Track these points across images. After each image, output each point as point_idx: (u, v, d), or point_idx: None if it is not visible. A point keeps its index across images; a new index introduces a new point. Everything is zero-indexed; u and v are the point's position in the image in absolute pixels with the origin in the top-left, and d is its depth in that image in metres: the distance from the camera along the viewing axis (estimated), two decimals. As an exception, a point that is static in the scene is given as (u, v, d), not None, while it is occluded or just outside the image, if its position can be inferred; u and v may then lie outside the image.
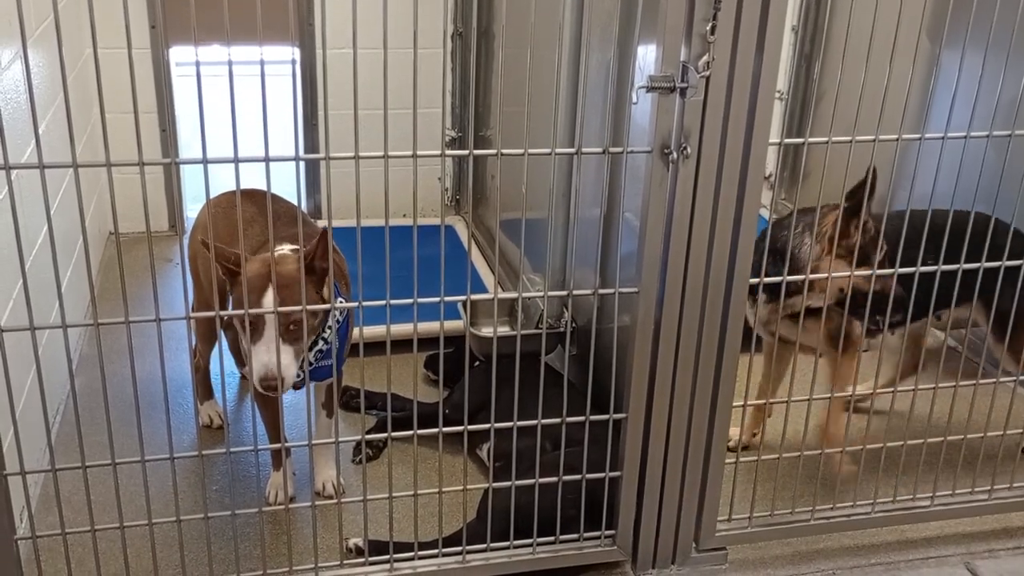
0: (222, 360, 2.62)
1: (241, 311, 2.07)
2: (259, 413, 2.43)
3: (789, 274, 2.38)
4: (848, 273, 2.35)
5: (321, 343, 2.36)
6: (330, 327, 2.33)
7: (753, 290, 2.46)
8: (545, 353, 2.43)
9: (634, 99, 2.03)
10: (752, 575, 2.47)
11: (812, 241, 2.43)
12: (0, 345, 1.83)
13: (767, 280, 2.28)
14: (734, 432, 2.73)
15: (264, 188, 1.92)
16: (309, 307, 2.03)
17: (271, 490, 2.65)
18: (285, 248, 2.36)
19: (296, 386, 2.46)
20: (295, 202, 2.10)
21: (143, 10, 4.10)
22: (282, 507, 2.56)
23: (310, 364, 2.31)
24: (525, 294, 2.93)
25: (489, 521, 2.29)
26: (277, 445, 2.51)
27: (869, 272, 2.29)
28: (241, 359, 2.90)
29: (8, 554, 2.00)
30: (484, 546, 2.31)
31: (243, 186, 1.88)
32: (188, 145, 4.62)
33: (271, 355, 2.14)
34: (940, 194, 2.21)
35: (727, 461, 2.37)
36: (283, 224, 2.38)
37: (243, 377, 3.10)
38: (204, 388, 3.03)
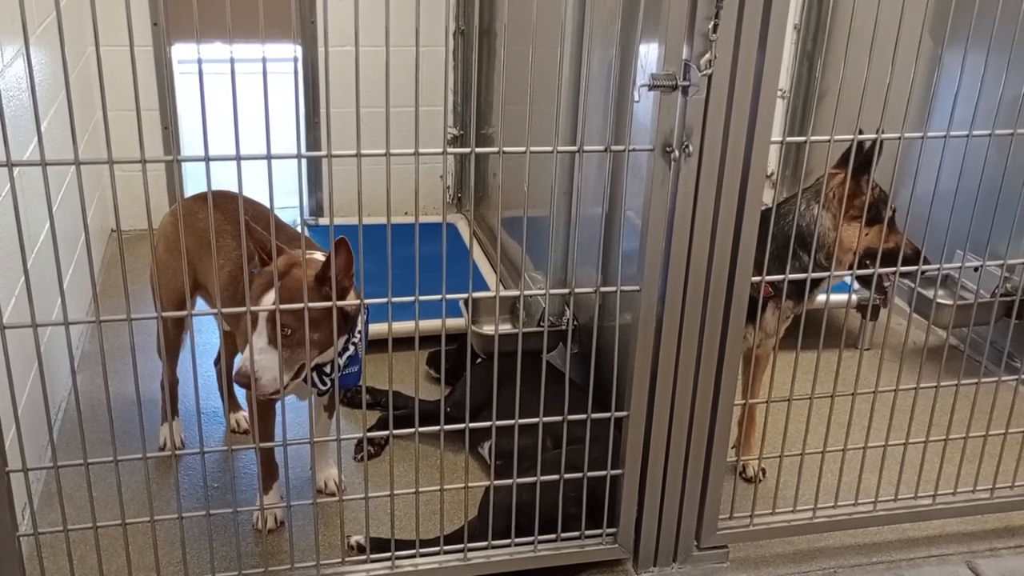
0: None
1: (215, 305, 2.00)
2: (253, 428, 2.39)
3: (819, 251, 2.46)
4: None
5: (351, 348, 2.30)
6: (360, 331, 2.29)
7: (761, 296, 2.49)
8: (546, 351, 2.43)
9: (636, 97, 2.03)
10: (754, 573, 2.47)
11: (820, 210, 2.45)
12: (2, 342, 1.84)
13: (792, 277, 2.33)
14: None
15: (260, 187, 1.91)
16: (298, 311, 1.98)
17: (259, 515, 2.54)
18: (317, 254, 2.27)
19: (320, 393, 2.45)
20: (296, 199, 2.09)
21: (145, 8, 4.11)
22: (283, 505, 2.56)
23: (339, 369, 2.29)
24: (527, 292, 2.94)
25: (490, 519, 2.30)
26: (272, 441, 2.51)
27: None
28: (230, 387, 2.89)
29: (10, 550, 2.01)
30: (485, 544, 2.31)
31: (245, 183, 1.88)
32: (190, 143, 4.62)
33: (256, 356, 2.09)
34: (942, 192, 2.21)
35: (728, 459, 2.37)
36: (255, 232, 2.27)
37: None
38: (172, 405, 2.88)
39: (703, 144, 2.01)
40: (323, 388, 2.33)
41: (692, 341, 2.20)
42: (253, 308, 2.06)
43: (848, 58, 2.10)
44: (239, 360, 2.13)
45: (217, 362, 2.95)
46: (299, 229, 4.08)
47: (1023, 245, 2.96)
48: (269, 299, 2.09)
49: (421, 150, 1.86)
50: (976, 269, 2.64)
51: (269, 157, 1.81)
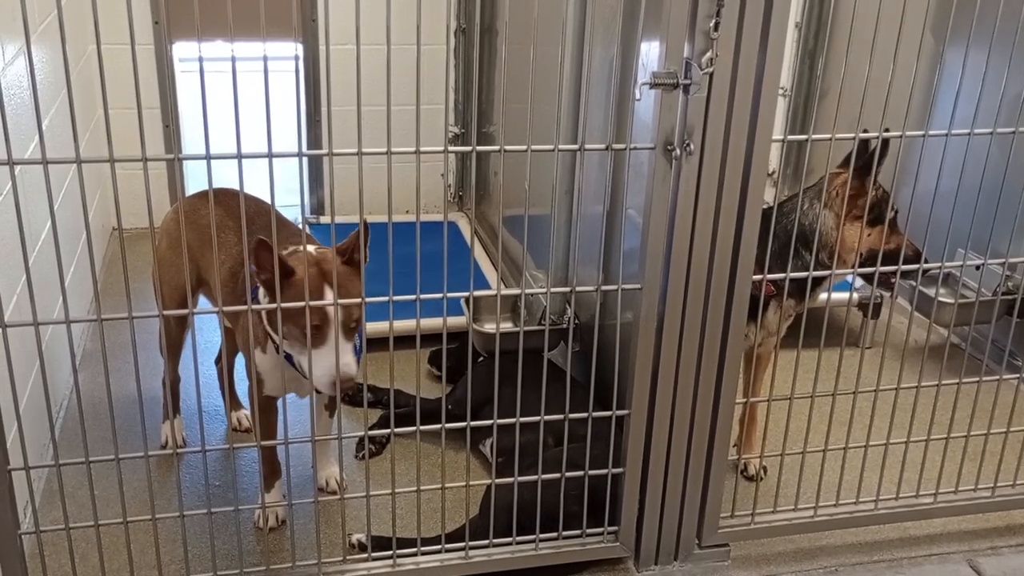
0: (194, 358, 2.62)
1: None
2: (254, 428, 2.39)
3: (820, 250, 2.46)
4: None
5: (356, 339, 2.31)
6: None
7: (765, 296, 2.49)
8: (548, 349, 2.43)
9: (637, 95, 2.02)
10: (755, 572, 2.47)
11: (822, 208, 2.45)
12: (4, 340, 1.84)
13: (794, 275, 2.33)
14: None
15: (261, 185, 1.91)
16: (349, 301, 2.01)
17: (261, 513, 2.54)
18: (309, 248, 2.25)
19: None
20: (297, 198, 2.08)
21: (146, 6, 4.11)
22: (285, 503, 2.56)
23: None
24: (528, 290, 2.94)
25: (492, 517, 2.30)
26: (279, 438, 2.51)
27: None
28: (231, 386, 2.88)
29: (12, 549, 2.01)
30: (487, 542, 2.31)
31: (246, 181, 1.88)
32: (191, 141, 4.62)
33: (344, 355, 2.08)
34: (944, 191, 2.21)
35: (730, 458, 2.37)
36: (258, 228, 2.28)
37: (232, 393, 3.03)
38: (174, 403, 2.89)
39: (704, 142, 2.01)
40: None
41: (693, 339, 2.20)
42: (254, 307, 2.06)
43: (849, 56, 2.09)
44: (329, 368, 2.08)
45: (218, 360, 2.95)
46: (300, 227, 4.09)
47: (1024, 244, 2.96)
48: (331, 295, 2.08)
49: (422, 148, 1.86)
50: (978, 267, 2.64)
51: (270, 155, 1.81)
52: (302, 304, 1.97)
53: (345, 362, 2.08)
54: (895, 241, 2.45)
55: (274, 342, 2.20)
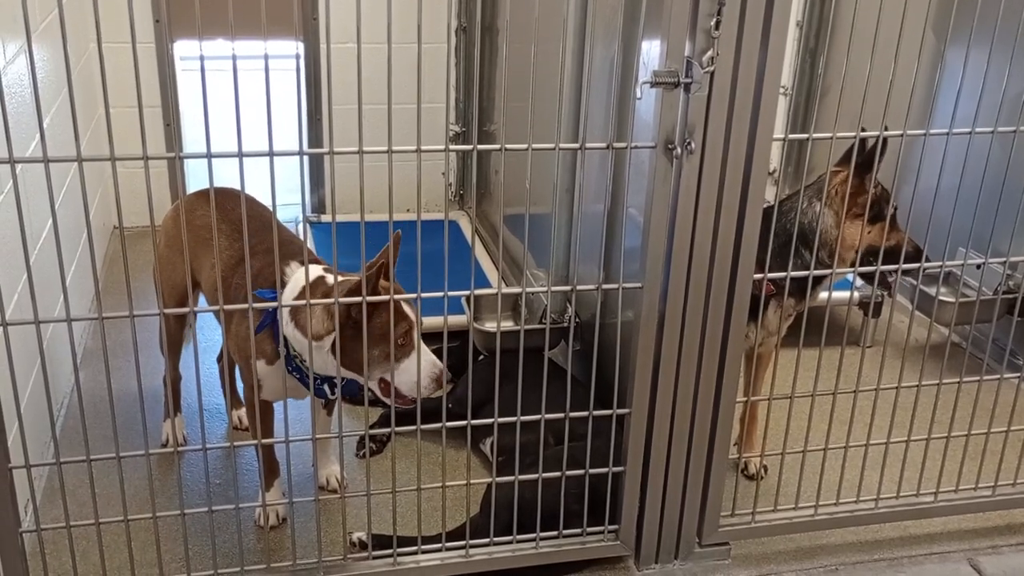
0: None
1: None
2: (251, 429, 2.39)
3: (821, 249, 2.46)
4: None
5: None
6: None
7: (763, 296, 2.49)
8: (548, 348, 2.43)
9: (638, 94, 2.02)
10: (755, 570, 2.47)
11: (822, 207, 2.45)
12: (5, 338, 1.84)
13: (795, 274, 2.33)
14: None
15: (262, 184, 1.91)
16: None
17: (261, 512, 2.53)
18: (311, 269, 2.19)
19: (325, 404, 2.44)
20: (298, 196, 2.08)
21: (147, 5, 4.10)
22: (285, 502, 2.56)
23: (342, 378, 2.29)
24: (529, 289, 2.93)
25: (492, 515, 2.30)
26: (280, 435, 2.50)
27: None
28: (233, 384, 2.87)
29: (13, 547, 2.01)
30: (487, 540, 2.32)
31: (247, 180, 1.88)
32: (192, 140, 4.62)
33: (430, 355, 2.19)
34: (945, 190, 2.21)
35: (730, 456, 2.37)
36: (250, 232, 2.19)
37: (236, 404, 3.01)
38: (175, 402, 2.88)
39: (705, 141, 2.01)
40: (332, 397, 2.33)
41: (694, 338, 2.20)
42: (256, 305, 2.06)
43: (850, 55, 2.09)
44: (428, 367, 2.17)
45: (220, 358, 2.95)
46: (299, 227, 4.09)
47: (1026, 242, 2.95)
48: (407, 309, 2.16)
49: (423, 147, 1.86)
50: (978, 266, 2.63)
51: (271, 154, 1.81)
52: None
53: (434, 359, 2.18)
54: (895, 238, 2.45)
55: (278, 355, 2.20)
